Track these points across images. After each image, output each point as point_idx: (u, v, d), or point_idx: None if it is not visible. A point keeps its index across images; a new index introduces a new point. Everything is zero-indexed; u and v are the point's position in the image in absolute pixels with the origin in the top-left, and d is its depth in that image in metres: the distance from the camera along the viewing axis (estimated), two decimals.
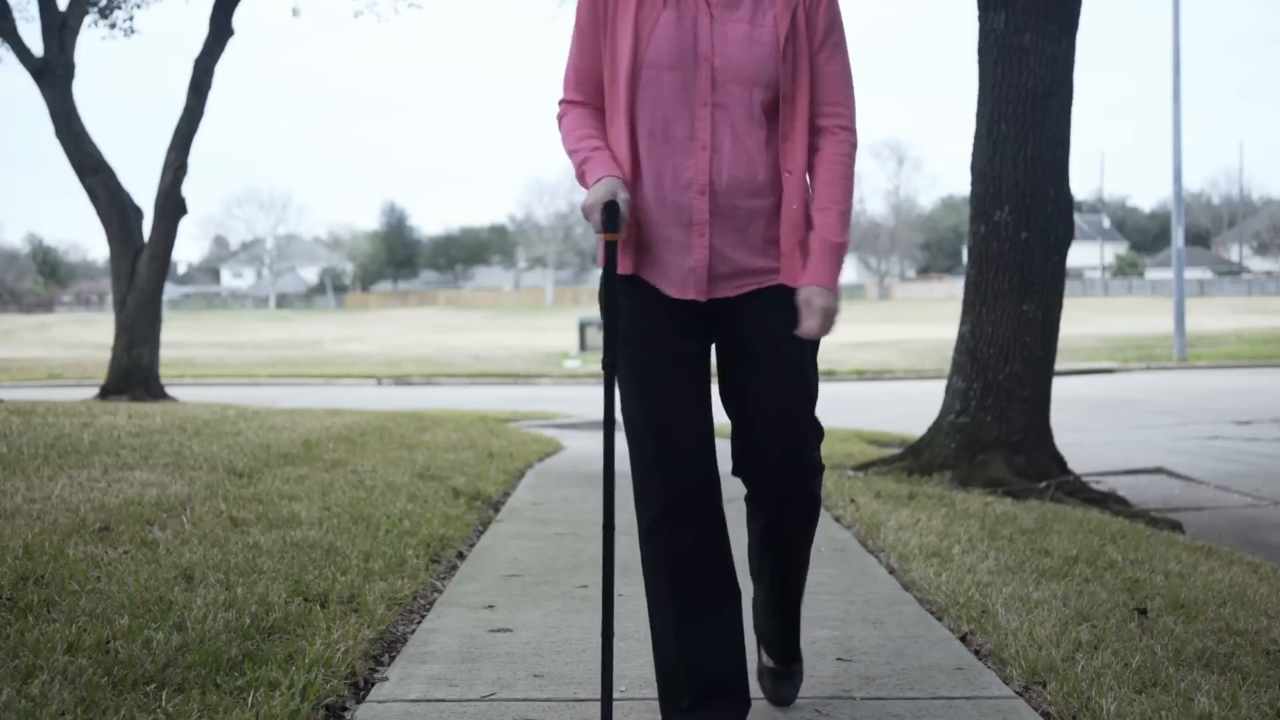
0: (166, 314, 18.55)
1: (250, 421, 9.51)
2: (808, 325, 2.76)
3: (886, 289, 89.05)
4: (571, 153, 2.87)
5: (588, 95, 2.92)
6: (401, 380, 25.88)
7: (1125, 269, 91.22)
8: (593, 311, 49.12)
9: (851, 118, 2.87)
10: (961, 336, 7.85)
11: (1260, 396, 17.71)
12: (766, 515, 2.94)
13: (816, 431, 2.93)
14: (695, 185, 2.77)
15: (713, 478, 2.85)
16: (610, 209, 2.71)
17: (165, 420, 9.17)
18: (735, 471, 2.91)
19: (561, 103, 2.96)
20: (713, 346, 2.90)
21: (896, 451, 8.70)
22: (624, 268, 2.84)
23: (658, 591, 2.88)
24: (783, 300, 2.80)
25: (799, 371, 2.85)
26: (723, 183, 2.76)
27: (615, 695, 3.12)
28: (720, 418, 2.93)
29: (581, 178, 2.83)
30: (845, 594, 4.35)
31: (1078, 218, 10.14)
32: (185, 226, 31.06)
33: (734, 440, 2.89)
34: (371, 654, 3.44)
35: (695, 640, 2.81)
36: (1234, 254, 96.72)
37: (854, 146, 2.86)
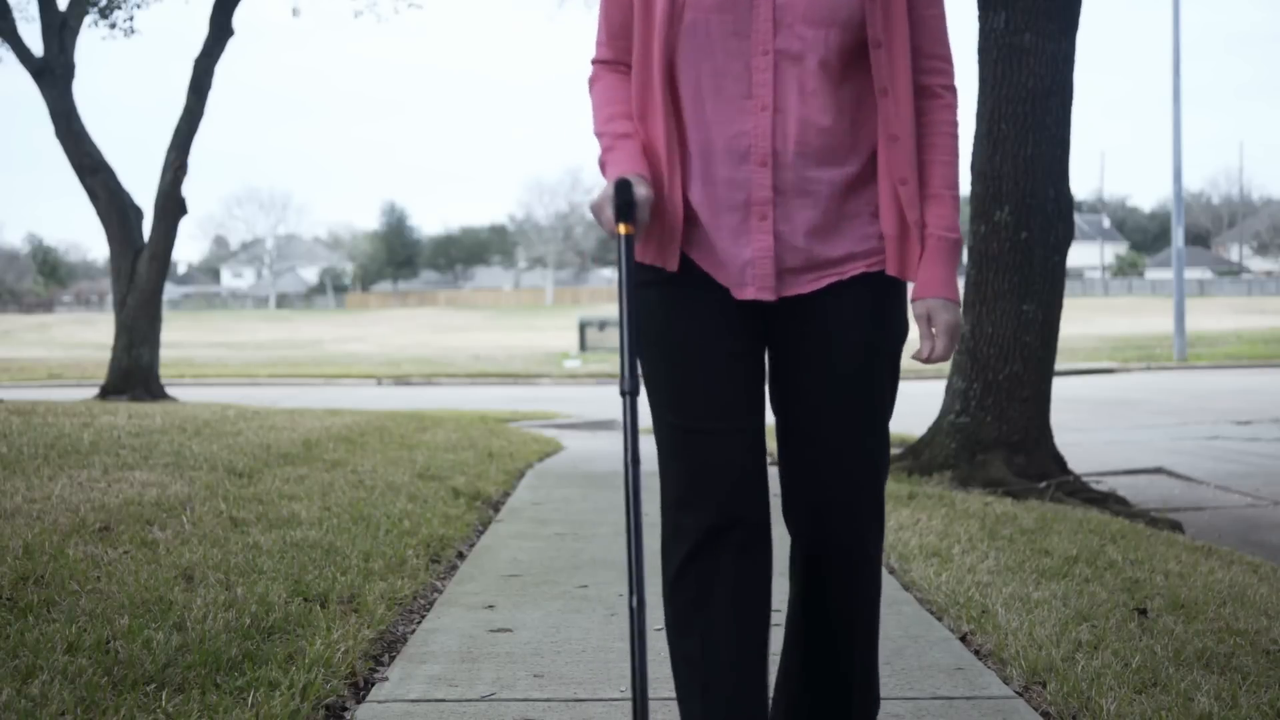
0: (166, 314, 18.53)
1: (250, 421, 9.51)
2: (930, 349, 2.26)
3: None
4: (597, 135, 2.37)
5: (621, 52, 2.38)
6: (401, 380, 25.88)
7: (1125, 269, 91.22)
8: (593, 311, 49.10)
9: (954, 74, 2.34)
10: (961, 336, 7.85)
11: (1260, 396, 17.71)
12: (806, 574, 2.38)
13: (884, 471, 2.36)
14: (755, 155, 2.23)
15: (762, 508, 2.33)
16: (623, 190, 2.21)
17: (165, 420, 9.17)
18: (787, 520, 2.38)
19: (593, 63, 2.44)
20: (765, 348, 2.38)
21: (896, 451, 8.70)
22: (652, 256, 2.33)
23: (684, 654, 2.34)
24: (875, 292, 2.29)
25: (878, 396, 2.32)
26: (790, 150, 2.23)
27: (615, 695, 3.12)
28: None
29: (603, 168, 2.35)
30: None
31: (1078, 218, 10.15)
32: (185, 226, 31.07)
33: (786, 480, 2.36)
34: (371, 654, 3.44)
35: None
36: (1234, 254, 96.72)
37: (958, 111, 2.33)
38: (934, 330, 2.27)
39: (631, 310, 2.24)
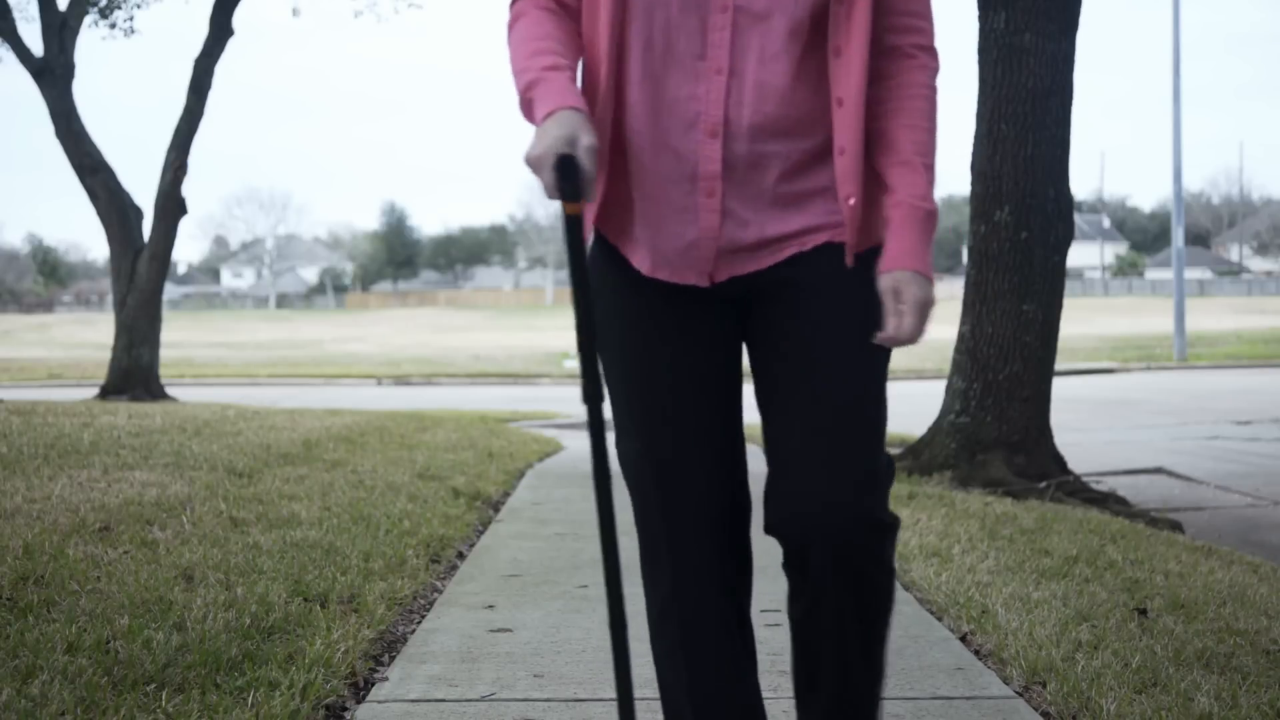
0: (166, 314, 18.52)
1: (250, 421, 9.51)
2: (896, 326, 1.98)
3: None
4: (517, 75, 2.02)
5: None
6: (401, 380, 25.88)
7: (1125, 269, 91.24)
8: None
9: (933, 35, 2.10)
10: (961, 336, 7.85)
11: (1260, 396, 17.71)
12: (812, 594, 2.08)
13: (885, 468, 2.08)
14: (704, 123, 1.99)
15: (742, 537, 2.18)
16: (566, 166, 1.88)
17: (165, 420, 9.17)
18: (769, 527, 2.08)
19: (512, 5, 2.13)
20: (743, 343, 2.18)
21: (896, 451, 8.69)
22: (606, 232, 2.12)
23: (672, 683, 2.33)
24: (837, 266, 2.05)
25: (860, 375, 2.06)
26: (744, 120, 1.99)
27: (615, 695, 3.12)
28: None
29: (527, 109, 1.99)
30: None
31: (1078, 218, 10.14)
32: (185, 226, 31.08)
33: (769, 479, 2.09)
34: (371, 654, 3.44)
35: None
36: (1234, 254, 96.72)
37: (936, 75, 2.09)
38: (901, 306, 1.98)
39: (583, 301, 1.97)
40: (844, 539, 2.02)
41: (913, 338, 2.00)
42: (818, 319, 2.05)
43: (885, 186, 2.03)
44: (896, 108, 2.04)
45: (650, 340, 2.12)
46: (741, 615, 2.21)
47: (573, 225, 1.92)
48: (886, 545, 2.07)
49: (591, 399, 1.98)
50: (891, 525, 2.07)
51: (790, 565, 2.10)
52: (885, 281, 2.00)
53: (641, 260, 2.08)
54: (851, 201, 2.01)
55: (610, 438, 2.01)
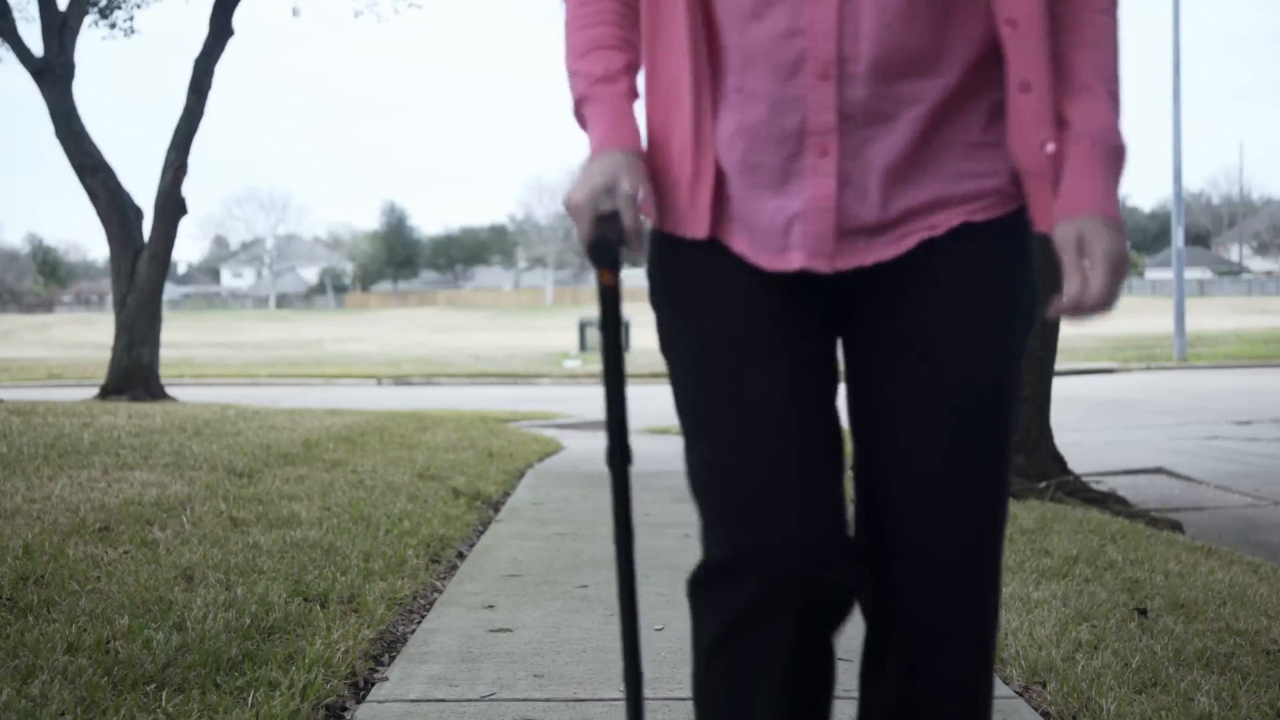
0: (166, 314, 18.52)
1: (250, 421, 9.51)
2: (1081, 288, 1.56)
3: None
4: (569, 76, 1.74)
5: None
6: (401, 380, 25.88)
7: None
8: (593, 311, 49.05)
9: None
10: None
11: (1260, 396, 17.71)
12: (898, 670, 1.72)
13: (1002, 513, 1.69)
14: (813, 62, 1.58)
15: (835, 569, 1.66)
16: (601, 244, 1.65)
17: (165, 420, 9.17)
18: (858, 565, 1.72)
19: None
20: (838, 344, 1.74)
21: None
22: (670, 223, 1.72)
23: None
24: (987, 251, 1.65)
25: (994, 389, 1.66)
26: (864, 56, 1.57)
27: (615, 695, 3.12)
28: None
29: (581, 124, 1.73)
30: None
31: None
32: (185, 226, 31.08)
33: (858, 515, 1.73)
34: (371, 654, 3.44)
35: None
36: (1234, 254, 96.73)
37: None
38: (1087, 262, 1.56)
39: (616, 363, 1.69)
40: (951, 609, 1.67)
41: (1104, 302, 1.57)
42: (952, 312, 1.64)
43: (1061, 110, 1.62)
44: (1068, 25, 1.62)
45: (744, 327, 1.68)
46: (823, 661, 1.75)
47: (608, 297, 1.68)
48: (989, 616, 1.74)
49: (617, 461, 1.71)
50: (998, 590, 1.76)
51: (874, 632, 1.74)
52: (1065, 230, 1.57)
53: (738, 241, 1.67)
54: (1051, 148, 1.59)
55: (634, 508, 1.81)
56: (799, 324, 1.68)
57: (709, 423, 1.69)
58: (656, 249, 1.75)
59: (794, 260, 1.63)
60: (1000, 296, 1.67)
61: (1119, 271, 1.57)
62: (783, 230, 1.63)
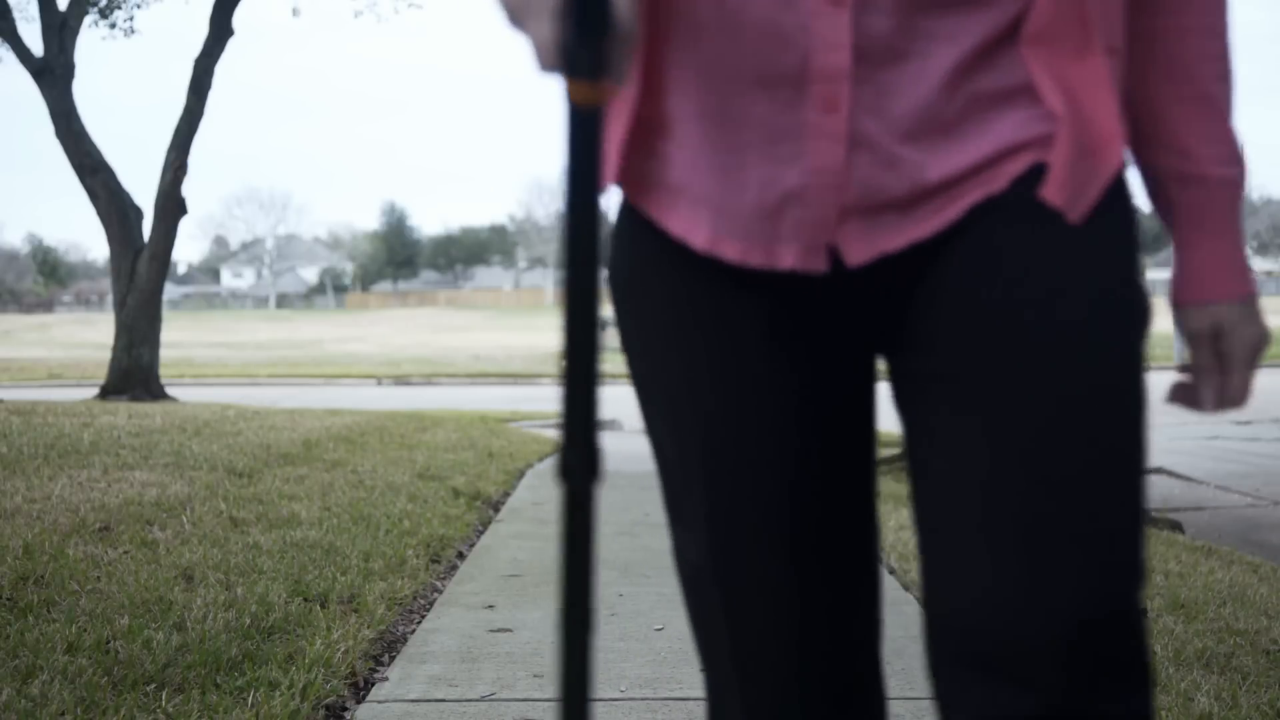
0: (166, 314, 18.52)
1: (250, 421, 9.51)
2: (1219, 391, 1.24)
3: None
4: None
5: None
6: (401, 380, 25.89)
7: None
8: None
9: None
10: None
11: (1260, 396, 17.64)
12: None
13: (1138, 570, 1.14)
14: None
15: (870, 687, 1.31)
16: (585, 17, 0.92)
17: (165, 420, 9.17)
18: (933, 666, 1.22)
19: None
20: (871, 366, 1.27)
21: (896, 451, 8.70)
22: (633, 190, 1.23)
23: None
24: (1058, 226, 1.14)
25: (1109, 406, 1.13)
26: None
27: (615, 695, 3.13)
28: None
29: None
30: None
31: None
32: (185, 226, 31.11)
33: (928, 588, 1.18)
34: (371, 654, 3.44)
35: None
36: None
37: None
38: (1225, 355, 1.23)
39: (586, 296, 0.93)
40: (1074, 694, 1.10)
41: (1239, 403, 1.25)
42: (1027, 304, 1.12)
43: (1159, 131, 1.21)
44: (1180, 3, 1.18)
45: (717, 369, 1.21)
46: None
47: (584, 124, 0.92)
48: (1137, 701, 1.13)
49: (576, 473, 0.93)
50: (1148, 668, 1.14)
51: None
52: (1198, 321, 1.23)
53: (692, 225, 1.18)
54: (1109, 130, 1.14)
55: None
56: (810, 347, 1.21)
57: (682, 512, 1.27)
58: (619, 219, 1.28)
59: (784, 256, 1.15)
60: (1107, 281, 1.13)
61: (1257, 363, 1.24)
62: (772, 212, 1.14)
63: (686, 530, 1.27)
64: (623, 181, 1.24)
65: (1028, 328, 1.12)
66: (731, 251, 1.18)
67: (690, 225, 1.19)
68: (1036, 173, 1.14)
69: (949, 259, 1.16)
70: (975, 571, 1.13)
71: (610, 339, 1.22)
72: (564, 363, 0.93)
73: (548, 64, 0.96)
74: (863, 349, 1.23)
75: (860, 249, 1.16)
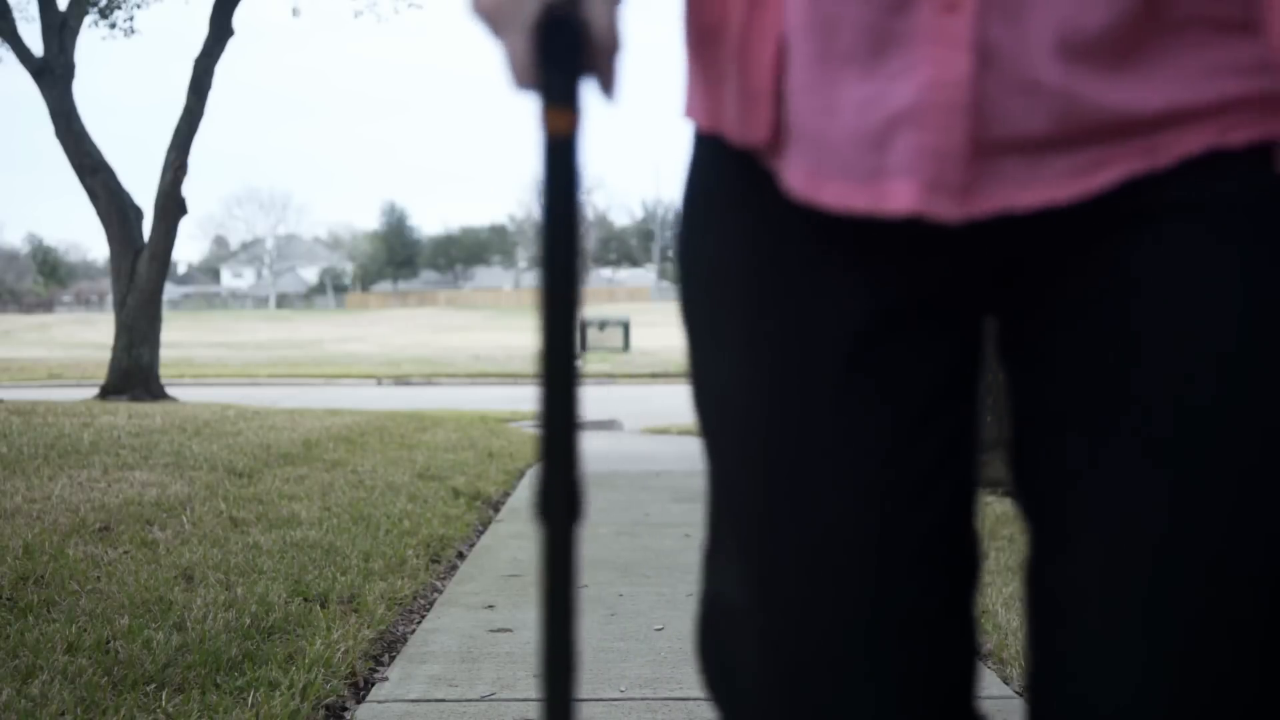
0: (166, 314, 18.53)
1: (250, 421, 9.51)
2: None
3: None
4: None
5: None
6: (401, 380, 25.89)
7: None
8: (592, 311, 49.03)
9: None
10: None
11: None
12: None
13: None
14: None
15: None
16: (555, 47, 0.85)
17: (165, 420, 9.17)
18: None
19: None
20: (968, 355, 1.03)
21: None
22: (711, 117, 1.00)
23: None
24: (1259, 197, 0.87)
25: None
26: None
27: (615, 695, 3.13)
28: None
29: None
30: None
31: None
32: (185, 226, 31.11)
33: (1046, 684, 0.94)
34: (371, 654, 3.44)
35: None
36: None
37: None
38: None
39: (563, 309, 0.93)
40: None
41: None
42: (1198, 334, 0.87)
43: None
44: None
45: (800, 357, 0.95)
46: None
47: (557, 154, 0.84)
48: None
49: (556, 513, 0.90)
50: None
51: None
52: None
53: (794, 164, 0.92)
54: None
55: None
56: (903, 343, 0.95)
57: (740, 527, 1.00)
58: (698, 173, 1.02)
59: (896, 195, 0.86)
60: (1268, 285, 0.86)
61: None
62: (876, 139, 0.86)
63: (730, 562, 1.01)
64: (712, 121, 0.99)
65: (1242, 371, 0.86)
66: (831, 193, 0.89)
67: (791, 165, 0.93)
68: (1216, 154, 0.86)
69: (1107, 250, 0.89)
70: (1129, 673, 0.86)
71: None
72: (541, 397, 0.84)
73: (521, 82, 0.87)
74: (970, 308, 0.98)
75: (982, 199, 0.85)
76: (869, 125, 0.87)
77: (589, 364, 29.22)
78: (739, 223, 0.98)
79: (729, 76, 0.95)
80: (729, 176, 0.99)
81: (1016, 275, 0.94)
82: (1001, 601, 3.98)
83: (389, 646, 3.58)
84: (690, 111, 1.02)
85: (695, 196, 1.02)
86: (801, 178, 0.91)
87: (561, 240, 0.84)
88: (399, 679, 3.25)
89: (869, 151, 0.87)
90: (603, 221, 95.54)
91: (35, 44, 15.57)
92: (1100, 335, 0.91)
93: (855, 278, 0.94)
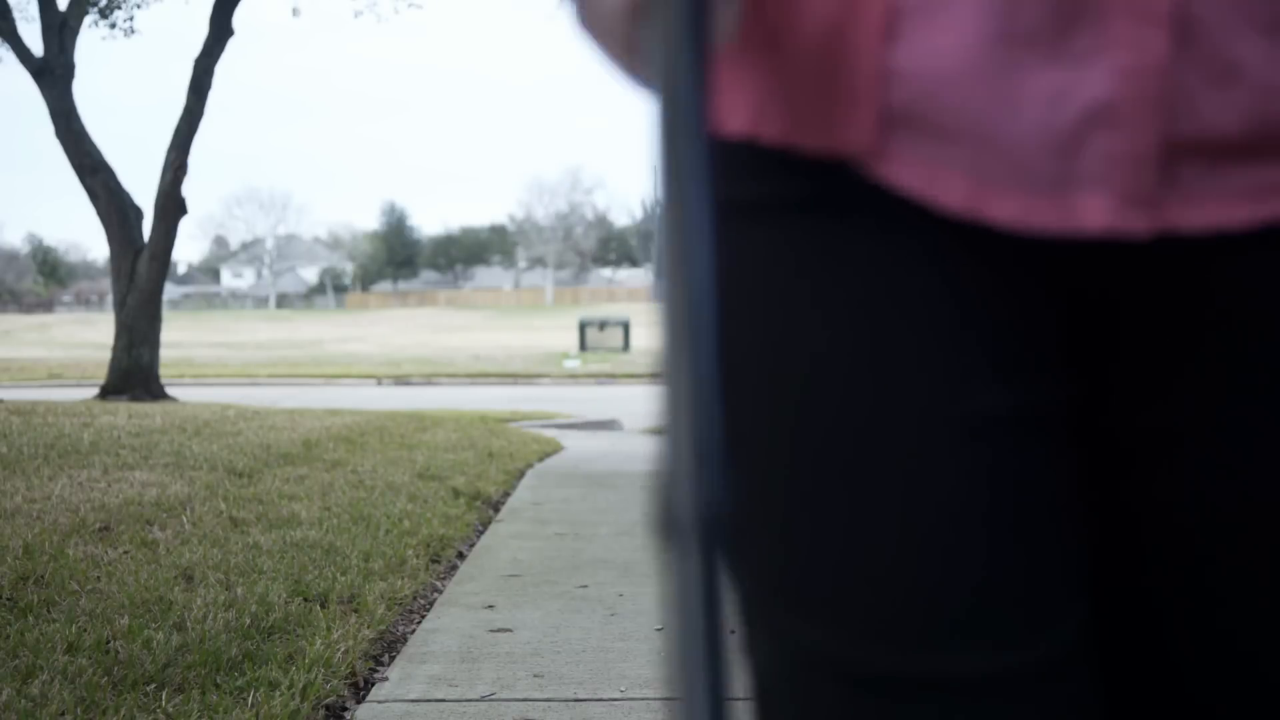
0: (166, 314, 18.54)
1: (250, 421, 9.51)
2: None
3: None
4: None
5: None
6: (401, 380, 25.89)
7: None
8: (593, 311, 48.97)
9: None
10: None
11: None
12: None
13: None
14: None
15: None
16: None
17: (165, 420, 9.17)
18: None
19: None
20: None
21: None
22: (783, 125, 0.74)
23: None
24: None
25: None
26: None
27: (615, 695, 3.13)
28: None
29: None
30: None
31: None
32: (185, 226, 31.13)
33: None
34: (371, 654, 3.44)
35: None
36: None
37: None
38: None
39: (701, 290, 0.55)
40: None
41: None
42: None
43: None
44: None
45: (928, 392, 0.73)
46: None
47: (690, 93, 0.58)
48: None
49: (702, 524, 0.53)
50: None
51: None
52: None
53: (938, 171, 0.72)
54: None
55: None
56: (1043, 356, 0.75)
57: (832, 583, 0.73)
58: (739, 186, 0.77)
59: (1089, 211, 0.70)
60: None
61: None
62: (1066, 141, 0.69)
63: (802, 617, 0.74)
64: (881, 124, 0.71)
65: None
66: (1005, 209, 0.70)
67: (934, 172, 0.71)
68: None
69: (1245, 282, 0.72)
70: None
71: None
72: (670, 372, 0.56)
73: (629, 66, 0.67)
74: (1091, 347, 0.77)
75: (1174, 206, 0.69)
76: (1060, 123, 0.69)
77: (588, 364, 29.22)
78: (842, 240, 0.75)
79: (800, 65, 0.73)
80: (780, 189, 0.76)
81: (1140, 303, 0.75)
82: None
83: (389, 646, 3.59)
84: (735, 121, 0.76)
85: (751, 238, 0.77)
86: (960, 189, 0.71)
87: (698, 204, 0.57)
88: (399, 679, 3.25)
89: (1058, 156, 0.69)
90: (603, 221, 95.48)
91: (35, 44, 15.57)
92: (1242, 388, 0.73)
93: (991, 294, 0.74)
